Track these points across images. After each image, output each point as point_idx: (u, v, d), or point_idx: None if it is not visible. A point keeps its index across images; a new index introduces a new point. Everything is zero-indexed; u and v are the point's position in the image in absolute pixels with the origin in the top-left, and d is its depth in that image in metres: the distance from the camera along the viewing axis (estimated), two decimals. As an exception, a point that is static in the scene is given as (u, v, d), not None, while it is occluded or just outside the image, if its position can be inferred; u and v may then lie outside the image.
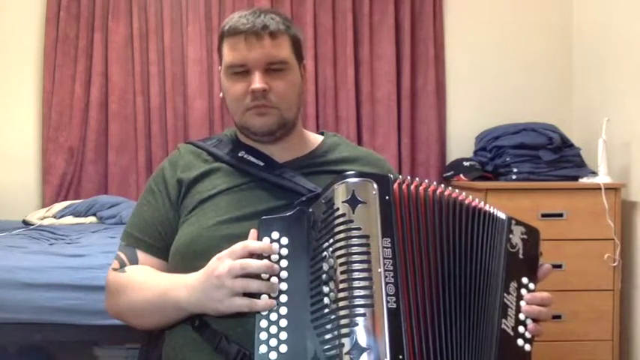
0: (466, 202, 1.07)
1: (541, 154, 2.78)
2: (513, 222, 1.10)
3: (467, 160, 3.07)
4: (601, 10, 3.08)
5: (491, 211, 1.09)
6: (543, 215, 2.61)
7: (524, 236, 1.10)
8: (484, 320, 1.01)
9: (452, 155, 3.34)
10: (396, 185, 1.01)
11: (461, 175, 2.99)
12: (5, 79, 3.25)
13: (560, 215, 2.63)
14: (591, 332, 2.62)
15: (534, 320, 1.05)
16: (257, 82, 1.16)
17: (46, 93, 3.22)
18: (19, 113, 3.26)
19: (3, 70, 3.25)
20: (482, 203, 1.09)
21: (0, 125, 3.24)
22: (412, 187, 1.03)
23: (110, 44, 3.23)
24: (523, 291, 1.06)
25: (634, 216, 2.72)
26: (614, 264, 2.62)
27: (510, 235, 1.08)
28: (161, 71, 3.27)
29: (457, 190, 1.07)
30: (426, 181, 1.05)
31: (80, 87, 3.22)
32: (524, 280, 1.07)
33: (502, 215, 1.10)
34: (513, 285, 1.05)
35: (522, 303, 1.05)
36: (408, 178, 1.04)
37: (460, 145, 3.33)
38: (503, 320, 1.02)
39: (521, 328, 1.03)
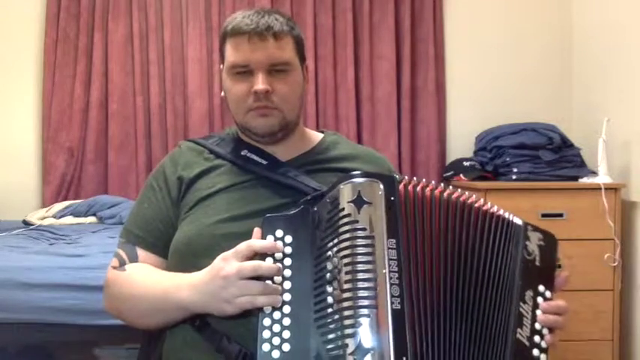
0: (476, 205, 1.05)
1: (541, 154, 2.78)
2: (530, 228, 1.07)
3: (467, 160, 3.07)
4: (601, 10, 3.08)
5: (506, 217, 1.06)
6: (543, 215, 2.61)
7: (542, 243, 1.06)
8: (497, 329, 0.99)
9: (452, 155, 3.34)
10: (401, 186, 1.00)
11: (461, 175, 2.99)
12: (5, 79, 3.25)
13: (560, 215, 2.62)
14: (591, 332, 2.62)
15: (550, 330, 1.02)
16: (260, 83, 1.15)
17: (46, 93, 3.22)
18: (19, 113, 3.26)
19: (3, 70, 3.24)
20: (496, 208, 1.06)
21: (0, 125, 3.24)
22: (418, 188, 1.02)
23: (110, 44, 3.22)
24: (539, 299, 1.03)
25: (634, 216, 2.72)
26: (614, 264, 2.62)
27: (527, 242, 1.05)
28: (161, 71, 3.27)
29: (462, 191, 1.05)
30: (433, 182, 1.04)
31: (80, 87, 3.22)
32: (541, 288, 1.03)
33: (518, 221, 1.07)
34: (529, 293, 1.02)
35: (538, 312, 1.02)
36: (415, 179, 1.03)
37: (460, 145, 3.33)
38: (519, 330, 0.99)
39: (536, 338, 1.00)
